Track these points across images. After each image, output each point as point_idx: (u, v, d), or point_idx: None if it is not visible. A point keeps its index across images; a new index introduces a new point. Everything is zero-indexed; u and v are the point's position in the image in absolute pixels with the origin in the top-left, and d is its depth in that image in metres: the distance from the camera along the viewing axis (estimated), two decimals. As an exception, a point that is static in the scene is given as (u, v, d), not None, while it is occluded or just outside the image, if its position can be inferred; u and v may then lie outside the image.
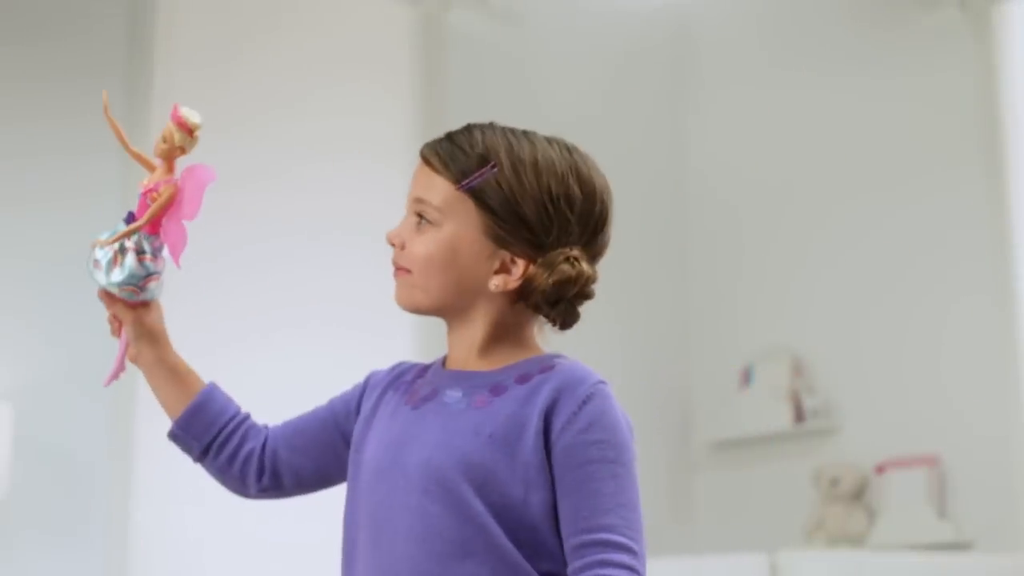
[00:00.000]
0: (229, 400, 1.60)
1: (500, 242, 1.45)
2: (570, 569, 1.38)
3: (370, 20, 4.70)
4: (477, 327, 1.48)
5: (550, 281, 1.43)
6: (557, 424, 1.41)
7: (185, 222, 1.46)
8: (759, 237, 5.22)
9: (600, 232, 1.49)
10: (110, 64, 4.08)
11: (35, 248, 3.91)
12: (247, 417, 1.60)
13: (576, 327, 1.49)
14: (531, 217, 1.44)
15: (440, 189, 1.46)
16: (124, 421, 3.88)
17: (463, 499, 1.38)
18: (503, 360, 1.47)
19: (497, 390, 1.44)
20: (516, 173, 1.45)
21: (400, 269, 1.51)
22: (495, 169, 1.45)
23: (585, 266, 1.45)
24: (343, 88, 4.54)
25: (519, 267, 1.45)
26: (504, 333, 1.48)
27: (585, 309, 1.49)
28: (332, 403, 1.59)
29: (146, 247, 1.48)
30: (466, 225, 1.45)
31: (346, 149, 4.48)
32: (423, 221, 1.48)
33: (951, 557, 4.20)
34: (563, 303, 1.45)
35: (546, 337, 1.51)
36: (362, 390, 1.57)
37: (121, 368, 1.57)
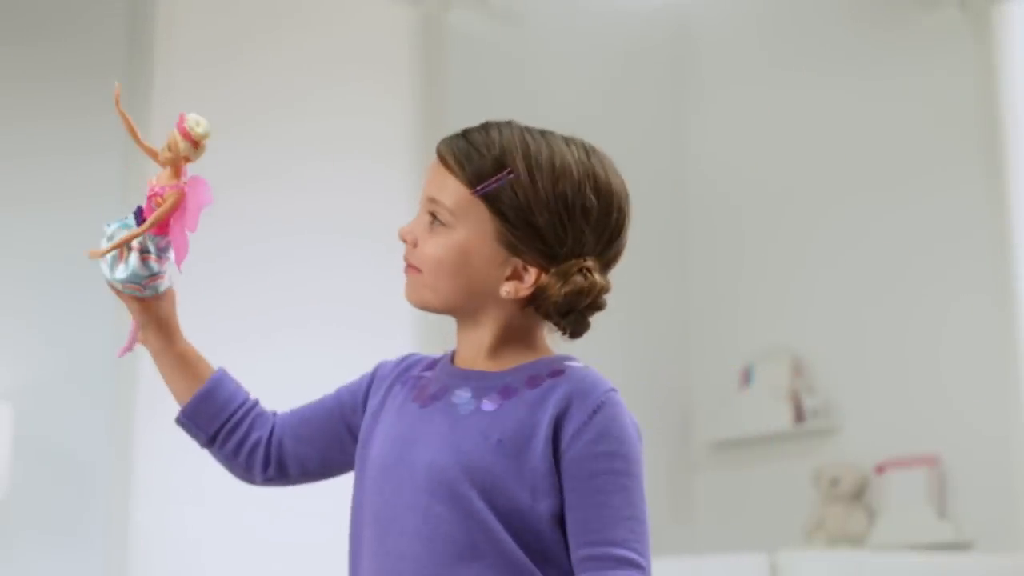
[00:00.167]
0: (237, 388, 1.58)
1: (513, 249, 1.43)
2: None
3: (370, 20, 4.70)
4: (486, 329, 1.47)
5: (562, 292, 1.42)
6: (567, 433, 1.39)
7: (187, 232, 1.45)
8: (759, 237, 5.22)
9: (616, 240, 1.48)
10: (110, 64, 4.08)
11: (35, 248, 3.91)
12: (255, 405, 1.58)
13: (576, 327, 1.48)
14: (545, 227, 1.42)
15: (454, 191, 1.44)
16: (124, 421, 3.89)
17: (469, 502, 1.38)
18: (513, 361, 1.46)
19: (507, 392, 1.43)
20: (532, 181, 1.42)
21: (411, 267, 1.48)
22: (511, 175, 1.42)
23: (598, 277, 1.43)
24: (343, 88, 4.54)
25: (531, 275, 1.43)
26: (513, 335, 1.47)
27: (585, 309, 1.48)
28: (340, 393, 1.58)
29: (151, 247, 1.47)
30: (479, 230, 1.43)
31: (346, 149, 4.48)
32: (436, 221, 1.45)
33: (951, 557, 4.20)
34: (574, 314, 1.44)
35: (555, 337, 1.50)
36: (369, 382, 1.55)
37: (131, 346, 1.57)
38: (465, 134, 1.47)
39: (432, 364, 1.53)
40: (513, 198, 1.42)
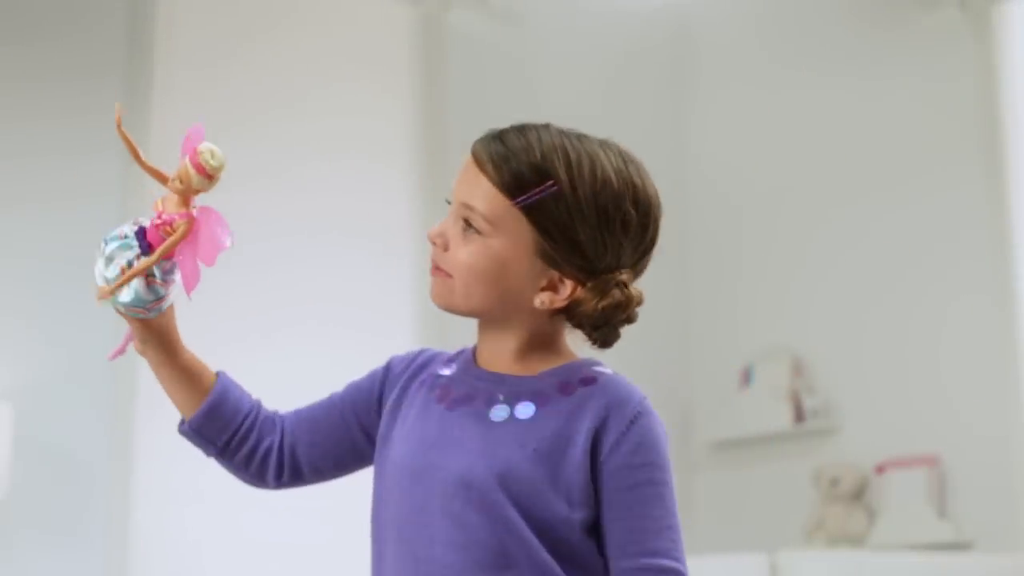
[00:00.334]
0: (241, 394, 1.53)
1: (550, 262, 1.40)
2: None
3: (370, 20, 4.70)
4: (513, 334, 1.45)
5: (600, 307, 1.40)
6: (606, 444, 1.38)
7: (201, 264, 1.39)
8: (759, 237, 5.21)
9: (650, 251, 1.46)
10: (110, 64, 4.09)
11: (35, 248, 3.91)
12: (260, 409, 1.54)
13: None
14: (585, 242, 1.39)
15: (491, 198, 1.40)
16: (124, 421, 3.89)
17: (504, 510, 1.36)
18: (540, 365, 1.44)
19: (539, 400, 1.41)
20: (574, 194, 1.38)
21: (439, 270, 1.44)
22: (554, 187, 1.38)
23: (634, 291, 1.43)
24: (343, 88, 4.54)
25: (567, 288, 1.41)
26: (539, 340, 1.45)
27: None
28: (350, 393, 1.53)
29: (156, 271, 1.41)
30: (516, 241, 1.40)
31: (346, 149, 4.48)
32: (470, 228, 1.41)
33: (951, 557, 4.20)
34: (608, 326, 1.42)
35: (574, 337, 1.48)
36: (383, 378, 1.52)
37: (123, 350, 1.52)
38: (502, 137, 1.42)
39: (449, 361, 1.50)
40: (555, 211, 1.38)
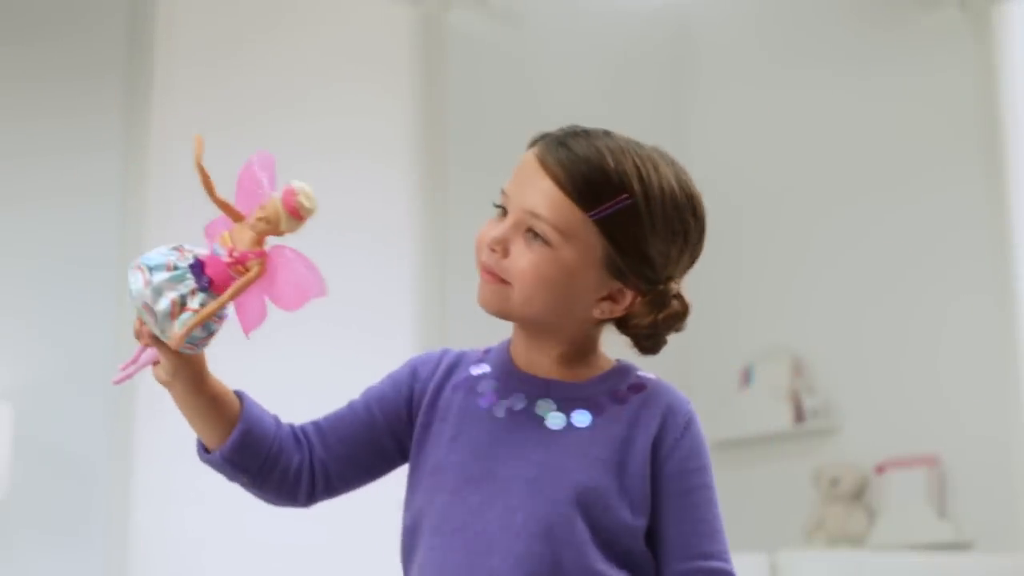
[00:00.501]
0: (263, 416, 1.43)
1: (616, 273, 1.38)
2: None
3: (370, 20, 4.70)
4: (559, 341, 1.42)
5: (658, 318, 1.41)
6: (663, 451, 1.40)
7: (269, 301, 1.30)
8: (759, 237, 5.21)
9: (698, 258, 1.46)
10: (110, 64, 4.09)
11: (35, 248, 3.91)
12: (281, 428, 1.44)
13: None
14: (655, 256, 1.39)
15: (561, 208, 1.35)
16: (124, 421, 3.89)
17: (567, 520, 1.35)
18: (586, 370, 1.44)
19: (594, 408, 1.41)
20: (649, 208, 1.36)
21: (494, 276, 1.39)
22: (629, 200, 1.35)
23: (687, 301, 1.44)
24: (343, 88, 4.54)
25: (627, 298, 1.40)
26: (582, 346, 1.44)
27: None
28: (374, 402, 1.47)
29: None
30: (586, 254, 1.36)
31: (346, 149, 4.48)
32: (535, 237, 1.36)
33: (951, 557, 4.20)
34: (659, 335, 1.43)
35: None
36: (410, 383, 1.46)
37: (133, 374, 1.40)
38: (567, 143, 1.38)
39: (479, 362, 1.47)
40: (628, 226, 1.36)
